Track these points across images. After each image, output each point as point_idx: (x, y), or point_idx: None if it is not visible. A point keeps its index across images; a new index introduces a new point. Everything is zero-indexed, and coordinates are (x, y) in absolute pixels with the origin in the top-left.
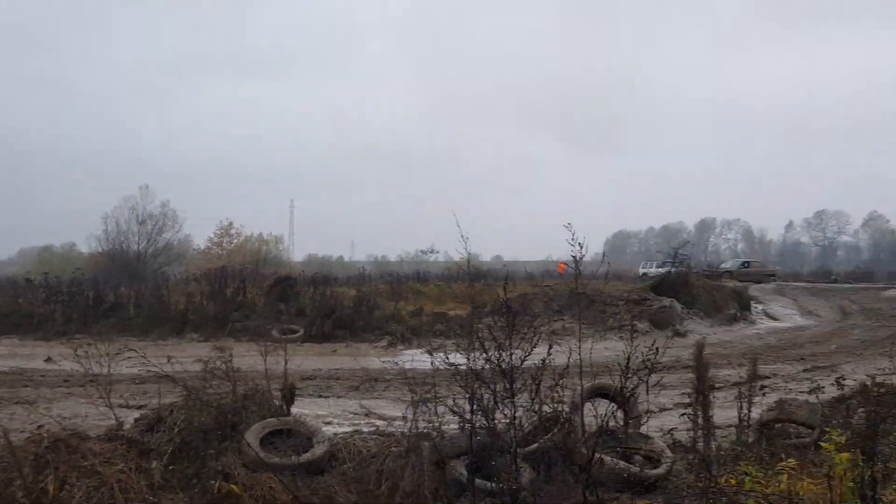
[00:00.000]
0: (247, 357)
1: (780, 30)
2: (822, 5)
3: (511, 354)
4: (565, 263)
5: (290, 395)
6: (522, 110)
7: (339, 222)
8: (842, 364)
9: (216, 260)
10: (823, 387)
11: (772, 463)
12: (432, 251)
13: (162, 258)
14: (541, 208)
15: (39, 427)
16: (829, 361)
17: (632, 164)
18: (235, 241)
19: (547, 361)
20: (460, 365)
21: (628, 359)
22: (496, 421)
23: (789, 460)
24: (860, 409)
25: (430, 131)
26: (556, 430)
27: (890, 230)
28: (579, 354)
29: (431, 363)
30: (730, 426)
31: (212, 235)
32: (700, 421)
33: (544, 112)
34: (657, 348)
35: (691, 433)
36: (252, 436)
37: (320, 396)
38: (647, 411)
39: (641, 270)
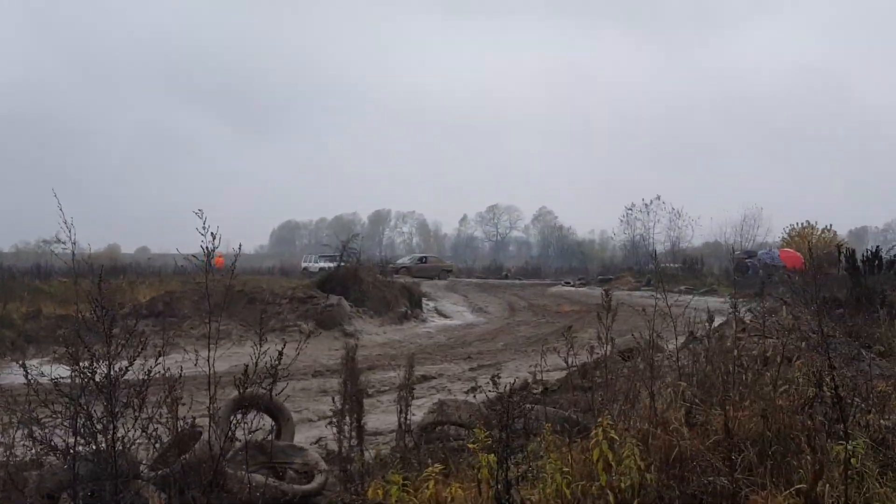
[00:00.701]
0: None
1: (455, 22)
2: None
3: (111, 364)
4: (223, 256)
5: None
6: (174, 83)
7: None
8: (507, 362)
9: None
10: (479, 386)
11: (422, 469)
12: (58, 241)
13: None
14: (199, 194)
15: None
16: (495, 359)
17: (304, 151)
18: None
19: (158, 370)
20: (63, 378)
21: (256, 364)
22: (116, 442)
23: (435, 465)
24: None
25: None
26: (193, 448)
27: (558, 226)
28: (208, 363)
29: (27, 378)
30: (392, 431)
31: None
32: (347, 429)
33: (202, 89)
34: (280, 353)
35: (343, 443)
36: None
37: None
38: (309, 420)
39: (303, 265)
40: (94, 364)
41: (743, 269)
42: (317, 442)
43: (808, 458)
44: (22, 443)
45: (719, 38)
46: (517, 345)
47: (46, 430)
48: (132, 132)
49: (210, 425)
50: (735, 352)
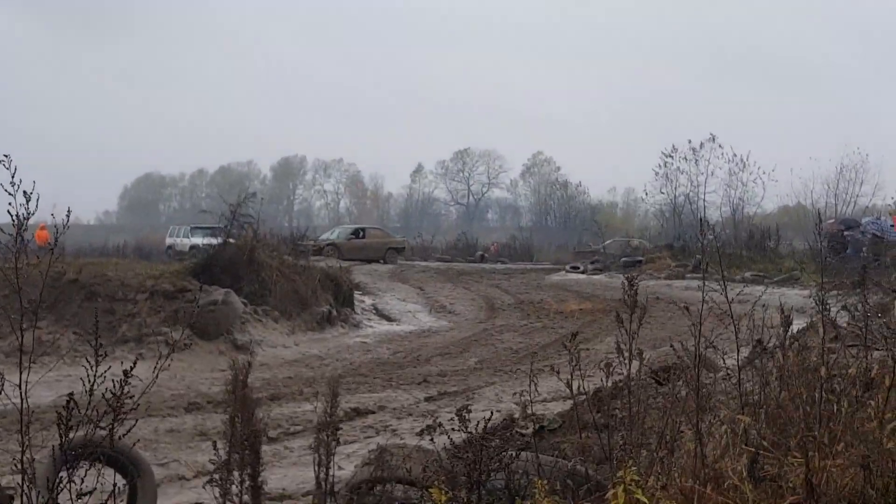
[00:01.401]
0: None
1: None
2: None
3: None
4: (47, 227)
5: None
6: None
7: None
8: (483, 387)
9: None
10: (440, 424)
11: None
12: None
13: None
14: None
15: None
16: (465, 384)
17: (168, 68)
18: None
19: None
20: None
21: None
22: None
23: None
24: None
25: None
26: None
27: (562, 181)
28: (20, 392)
29: None
30: (307, 494)
31: None
32: (237, 490)
33: None
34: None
35: None
36: None
37: None
38: (181, 478)
39: (168, 241)
40: None
41: (838, 247)
42: None
43: None
44: None
45: None
46: (498, 362)
47: None
48: None
49: (23, 487)
50: (823, 371)
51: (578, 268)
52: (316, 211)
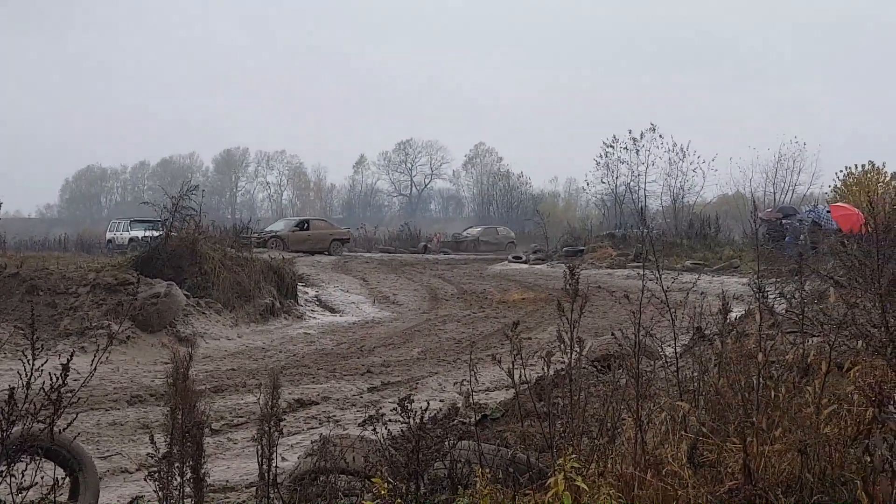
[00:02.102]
0: None
1: None
2: None
3: None
4: None
5: None
6: None
7: None
8: (426, 377)
9: None
10: (383, 414)
11: None
12: None
13: None
14: None
15: None
16: (409, 374)
17: (109, 57)
18: None
19: None
20: None
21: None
22: None
23: None
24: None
25: None
26: None
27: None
28: None
29: None
30: (251, 485)
31: None
32: (178, 482)
33: None
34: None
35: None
36: None
37: None
38: (124, 471)
39: (108, 235)
40: None
41: (777, 235)
42: (131, 503)
43: None
44: None
45: None
46: (441, 352)
47: None
48: None
49: None
50: (760, 357)
51: (521, 258)
52: (259, 203)
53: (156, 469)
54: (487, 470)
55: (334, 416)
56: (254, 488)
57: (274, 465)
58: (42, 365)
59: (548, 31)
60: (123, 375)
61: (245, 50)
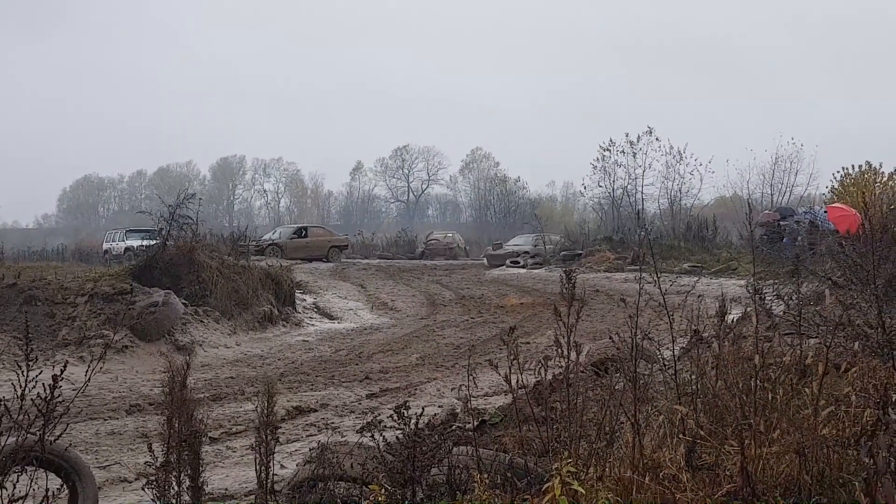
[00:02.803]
0: None
1: None
2: None
3: None
4: None
5: None
6: None
7: None
8: (424, 383)
9: None
10: (381, 421)
11: None
12: None
13: None
14: None
15: None
16: (407, 380)
17: (107, 65)
18: None
19: None
20: None
21: (22, 396)
22: None
23: None
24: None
25: None
26: None
27: (501, 176)
28: None
29: None
30: (249, 493)
31: None
32: (176, 491)
33: None
34: (57, 377)
35: None
36: None
37: None
38: (123, 480)
39: (105, 246)
40: None
41: (774, 236)
42: None
43: None
44: None
45: None
46: (440, 357)
47: None
48: None
49: None
50: (757, 359)
51: (518, 262)
52: (256, 211)
53: (154, 478)
54: (486, 475)
55: (333, 423)
56: (252, 496)
57: (272, 472)
58: (38, 375)
59: (544, 36)
60: (122, 385)
61: (241, 58)
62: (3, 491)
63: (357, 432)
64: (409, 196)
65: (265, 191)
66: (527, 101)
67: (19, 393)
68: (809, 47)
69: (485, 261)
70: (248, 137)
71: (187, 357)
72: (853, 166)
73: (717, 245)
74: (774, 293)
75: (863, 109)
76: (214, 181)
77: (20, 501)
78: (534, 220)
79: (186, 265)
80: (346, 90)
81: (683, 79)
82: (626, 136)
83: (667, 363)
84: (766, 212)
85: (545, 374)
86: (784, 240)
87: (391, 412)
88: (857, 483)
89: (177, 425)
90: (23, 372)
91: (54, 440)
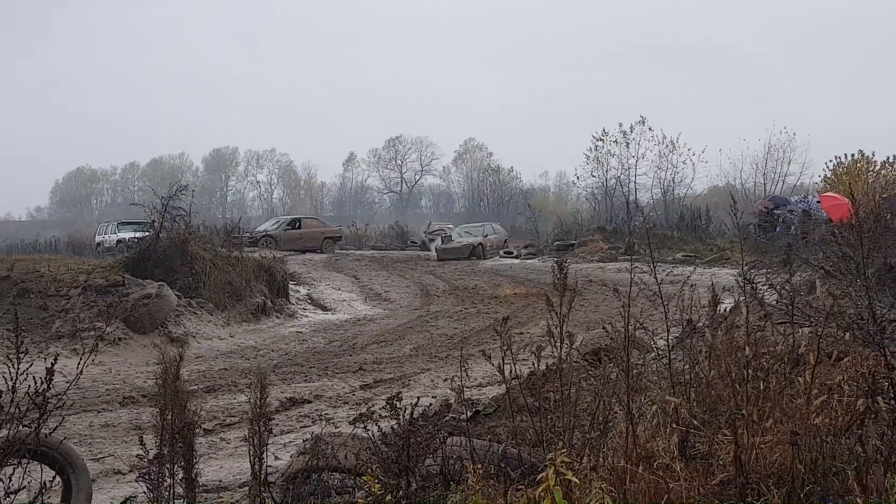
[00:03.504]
0: None
1: None
2: None
3: None
4: None
5: None
6: None
7: None
8: (418, 374)
9: None
10: (374, 412)
11: None
12: None
13: None
14: None
15: None
16: (401, 370)
17: (97, 60)
18: None
19: None
20: None
21: (13, 388)
22: None
23: None
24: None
25: None
26: None
27: (494, 167)
28: None
29: None
30: (244, 485)
31: None
32: (170, 483)
33: None
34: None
35: None
36: None
37: None
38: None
39: (98, 239)
40: None
41: (767, 226)
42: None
43: (859, 501)
44: None
45: None
46: (433, 348)
47: None
48: None
49: None
50: (748, 350)
51: (512, 252)
52: (249, 202)
53: (146, 470)
54: (479, 466)
55: (326, 414)
56: (247, 488)
57: (266, 464)
58: (29, 368)
59: (536, 28)
60: (116, 377)
61: (233, 51)
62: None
63: (351, 423)
64: (402, 187)
65: (258, 182)
66: (519, 93)
67: (10, 385)
68: (796, 47)
69: (435, 254)
70: (241, 130)
71: (180, 349)
72: (846, 155)
73: (710, 234)
74: (767, 283)
75: (850, 107)
76: (207, 173)
77: (15, 494)
78: (527, 210)
79: (180, 257)
80: (338, 91)
81: (676, 71)
82: (620, 125)
83: (660, 353)
84: (761, 201)
85: (539, 365)
86: (777, 229)
87: (385, 403)
88: (849, 471)
89: (170, 417)
90: (13, 364)
91: (49, 433)
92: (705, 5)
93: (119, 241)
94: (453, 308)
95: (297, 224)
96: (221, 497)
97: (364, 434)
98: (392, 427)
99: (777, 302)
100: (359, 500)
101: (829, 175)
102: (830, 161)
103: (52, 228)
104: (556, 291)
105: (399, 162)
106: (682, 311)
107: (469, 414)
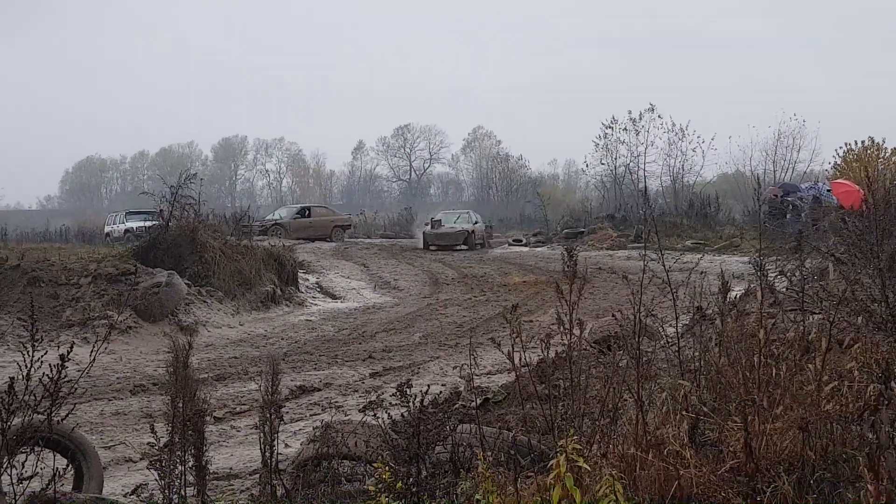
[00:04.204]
0: None
1: None
2: None
3: None
4: None
5: None
6: None
7: None
8: (427, 362)
9: None
10: (384, 399)
11: None
12: None
13: None
14: None
15: None
16: (410, 359)
17: (106, 48)
18: None
19: None
20: None
21: (27, 377)
22: None
23: None
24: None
25: None
26: None
27: (502, 155)
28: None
29: None
30: (254, 472)
31: None
32: (181, 470)
33: None
34: (64, 357)
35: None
36: None
37: None
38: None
39: (107, 229)
40: None
41: (777, 213)
42: (134, 492)
43: (870, 487)
44: None
45: None
46: (443, 336)
47: None
48: None
49: None
50: (761, 335)
51: (521, 241)
52: (258, 191)
53: (158, 458)
54: (489, 453)
55: (336, 402)
56: (257, 475)
57: (276, 451)
58: (42, 356)
59: (543, 14)
60: (126, 365)
61: (241, 43)
62: (13, 470)
63: (361, 411)
64: (411, 175)
65: (267, 171)
66: (527, 81)
67: (24, 373)
68: (786, 30)
69: (422, 242)
70: (250, 119)
71: (191, 337)
72: (856, 142)
73: (719, 222)
74: (777, 270)
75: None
76: (216, 161)
77: (28, 481)
78: (536, 198)
79: (189, 246)
80: (346, 79)
81: (686, 59)
82: (629, 113)
83: (670, 340)
84: (771, 188)
85: (548, 352)
86: (788, 216)
87: (394, 391)
88: (860, 458)
89: (180, 405)
90: (28, 352)
91: (60, 420)
92: None
93: (127, 231)
94: (462, 296)
95: (307, 212)
96: (232, 484)
97: (374, 422)
98: (402, 415)
99: (787, 289)
100: (369, 488)
101: (838, 162)
102: (840, 148)
103: (61, 217)
104: (566, 279)
105: (408, 150)
106: (691, 298)
107: (479, 401)
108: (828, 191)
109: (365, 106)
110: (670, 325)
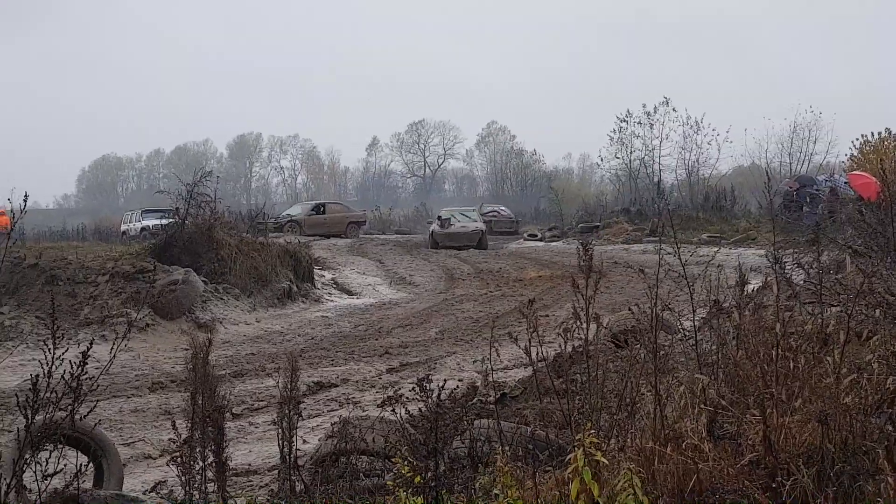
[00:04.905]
0: None
1: None
2: None
3: None
4: (6, 212)
5: None
6: None
7: None
8: (444, 357)
9: None
10: (402, 395)
11: None
12: None
13: None
14: None
15: None
16: (427, 354)
17: (121, 47)
18: None
19: None
20: None
21: (49, 375)
22: None
23: None
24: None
25: None
26: None
27: (517, 150)
28: None
29: None
30: (273, 468)
31: None
32: (201, 467)
33: None
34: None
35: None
36: None
37: None
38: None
39: (123, 227)
40: None
41: (794, 205)
42: (154, 489)
43: (890, 480)
44: None
45: None
46: (459, 331)
47: None
48: None
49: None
50: (779, 328)
51: (536, 235)
52: (273, 188)
53: (178, 454)
54: (507, 448)
55: (354, 397)
56: (276, 471)
57: (295, 447)
58: (62, 354)
59: (558, 8)
60: (144, 362)
61: (255, 42)
62: (37, 467)
63: (378, 406)
64: (425, 171)
65: (282, 168)
66: (542, 75)
67: (45, 371)
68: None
69: (429, 241)
70: (264, 116)
71: (209, 334)
72: (872, 133)
73: (735, 215)
74: (794, 262)
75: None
76: (231, 159)
77: (51, 478)
78: (550, 192)
79: (205, 243)
80: (360, 69)
81: (700, 52)
82: (644, 106)
83: (687, 334)
84: (788, 180)
85: (565, 347)
86: (805, 208)
87: (411, 386)
88: (879, 450)
89: (200, 401)
90: (49, 350)
91: (82, 418)
92: None
93: (143, 229)
94: (478, 291)
95: (322, 209)
96: (251, 480)
97: (392, 417)
98: (419, 410)
99: (805, 281)
100: (388, 483)
101: (855, 154)
102: (857, 139)
103: (78, 216)
104: (582, 273)
105: (422, 146)
106: (708, 291)
107: (496, 396)
108: (845, 182)
109: (379, 102)
110: (687, 319)
